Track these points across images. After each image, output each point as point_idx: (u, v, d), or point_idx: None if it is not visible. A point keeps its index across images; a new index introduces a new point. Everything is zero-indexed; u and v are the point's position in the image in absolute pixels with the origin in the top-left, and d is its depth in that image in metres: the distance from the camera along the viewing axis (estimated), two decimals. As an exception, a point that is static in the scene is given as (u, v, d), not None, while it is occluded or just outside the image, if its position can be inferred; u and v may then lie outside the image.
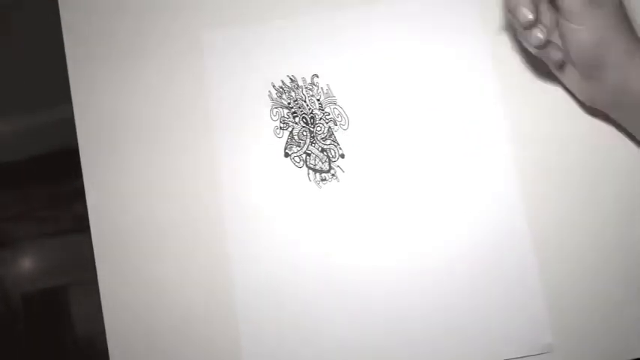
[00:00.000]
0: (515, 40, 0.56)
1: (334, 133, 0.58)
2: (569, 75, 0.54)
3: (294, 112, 0.58)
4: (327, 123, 0.58)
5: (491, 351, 0.53)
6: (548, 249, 0.55)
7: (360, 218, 0.56)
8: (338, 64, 0.58)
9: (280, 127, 0.58)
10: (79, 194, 0.57)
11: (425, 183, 0.56)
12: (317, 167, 0.57)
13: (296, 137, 0.58)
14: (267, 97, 0.58)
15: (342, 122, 0.57)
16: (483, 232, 0.55)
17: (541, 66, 0.56)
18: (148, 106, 0.59)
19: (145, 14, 0.60)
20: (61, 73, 0.60)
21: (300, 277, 0.55)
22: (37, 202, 0.59)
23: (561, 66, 0.54)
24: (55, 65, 0.60)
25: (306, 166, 0.57)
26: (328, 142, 0.57)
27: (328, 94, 0.58)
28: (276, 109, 0.58)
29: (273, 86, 0.58)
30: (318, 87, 0.58)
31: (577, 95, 0.55)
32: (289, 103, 0.58)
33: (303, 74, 0.58)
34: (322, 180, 0.57)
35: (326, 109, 0.58)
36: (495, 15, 0.59)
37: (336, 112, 0.58)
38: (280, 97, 0.58)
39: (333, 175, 0.57)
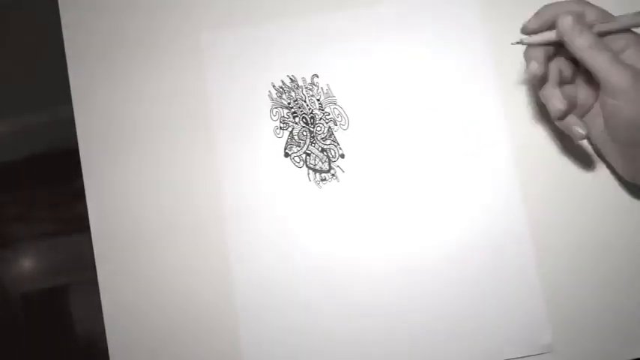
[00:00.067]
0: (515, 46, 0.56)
1: (334, 133, 0.58)
2: (609, 150, 0.52)
3: (294, 112, 0.58)
4: (327, 123, 0.58)
5: (491, 351, 0.53)
6: (547, 249, 0.55)
7: (360, 218, 0.56)
8: (338, 64, 0.58)
9: (280, 127, 0.58)
10: (79, 194, 0.57)
11: (424, 182, 0.56)
12: (317, 167, 0.57)
13: (296, 137, 0.58)
14: (267, 97, 0.58)
15: (342, 122, 0.58)
16: (483, 232, 0.55)
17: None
18: (148, 106, 0.59)
19: (145, 15, 0.60)
20: (61, 73, 0.60)
21: (300, 276, 0.55)
22: (37, 202, 0.59)
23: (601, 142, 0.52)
24: (55, 65, 0.60)
25: (306, 166, 0.57)
26: (328, 142, 0.57)
27: (328, 94, 0.58)
28: (276, 109, 0.58)
29: (273, 86, 0.58)
30: (318, 87, 0.58)
31: (618, 171, 0.53)
32: (289, 103, 0.58)
33: (303, 74, 0.58)
34: (322, 180, 0.57)
35: (326, 109, 0.58)
36: (496, 13, 0.58)
37: (336, 112, 0.58)
38: (280, 97, 0.58)
39: (333, 175, 0.57)
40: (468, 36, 0.58)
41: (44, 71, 0.60)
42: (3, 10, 0.61)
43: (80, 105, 0.59)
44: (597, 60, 0.46)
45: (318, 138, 0.57)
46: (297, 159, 0.57)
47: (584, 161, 0.56)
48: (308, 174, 0.57)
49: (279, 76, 0.58)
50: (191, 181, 0.57)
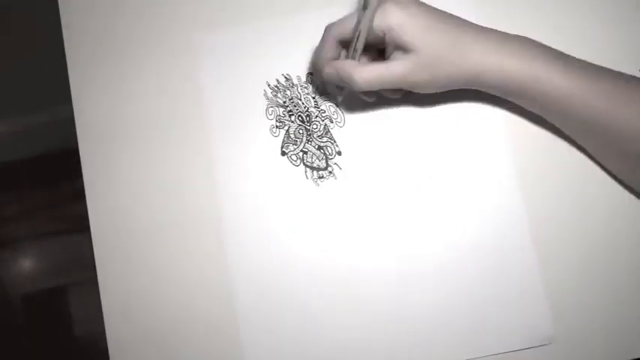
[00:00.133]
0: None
1: (330, 130, 0.58)
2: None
3: (290, 111, 0.58)
4: (323, 121, 0.58)
5: (493, 343, 0.53)
6: (548, 242, 0.55)
7: (358, 215, 0.56)
8: (333, 61, 0.58)
9: (276, 126, 0.58)
10: (79, 194, 0.57)
11: (422, 179, 0.56)
12: (314, 165, 0.57)
13: (292, 135, 0.58)
14: (263, 96, 0.58)
15: (338, 119, 0.57)
16: (483, 225, 0.55)
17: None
18: (147, 106, 0.59)
19: (144, 15, 0.61)
20: (61, 73, 0.60)
21: (299, 274, 0.55)
22: (37, 202, 0.60)
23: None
24: (55, 65, 0.60)
25: (304, 164, 0.57)
26: (325, 139, 0.57)
27: (323, 92, 0.58)
28: (271, 108, 0.58)
29: (269, 85, 0.58)
30: (313, 85, 0.58)
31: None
32: (285, 102, 0.58)
33: (298, 72, 0.58)
34: (320, 177, 0.57)
35: (321, 107, 0.58)
36: (493, 10, 0.58)
37: (332, 109, 0.58)
38: (276, 95, 0.58)
39: (330, 172, 0.57)
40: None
41: (44, 71, 0.60)
42: (3, 10, 0.61)
43: (80, 105, 0.59)
44: (378, 78, 0.50)
45: (315, 136, 0.57)
46: (294, 157, 0.57)
47: (584, 162, 0.55)
48: (305, 172, 0.57)
49: (274, 75, 0.59)
50: (191, 181, 0.57)
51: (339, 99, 0.57)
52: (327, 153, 0.57)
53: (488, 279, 0.54)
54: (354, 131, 0.57)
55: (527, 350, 0.53)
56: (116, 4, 0.61)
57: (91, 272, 0.57)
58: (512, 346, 0.53)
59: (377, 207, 0.56)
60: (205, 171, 0.57)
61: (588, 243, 0.55)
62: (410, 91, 0.53)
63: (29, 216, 0.59)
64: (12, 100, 0.60)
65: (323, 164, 0.57)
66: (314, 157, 0.57)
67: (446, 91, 0.54)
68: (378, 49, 0.53)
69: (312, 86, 0.58)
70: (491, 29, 0.51)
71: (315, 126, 0.58)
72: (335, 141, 0.57)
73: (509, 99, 0.53)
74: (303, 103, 0.58)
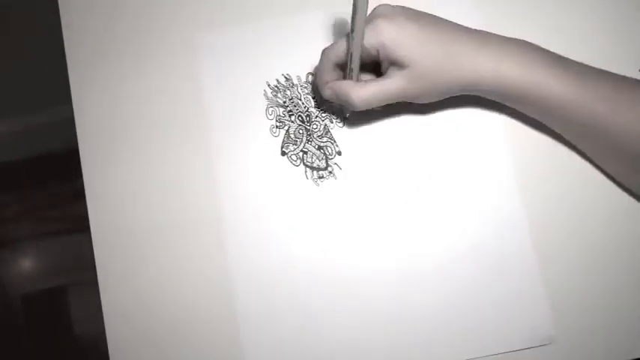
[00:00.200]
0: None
1: (330, 130, 0.58)
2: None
3: (290, 111, 0.58)
4: (323, 121, 0.58)
5: (493, 343, 0.53)
6: (548, 243, 0.55)
7: (358, 215, 0.56)
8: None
9: (276, 126, 0.58)
10: (79, 194, 0.57)
11: (422, 179, 0.56)
12: (314, 165, 0.57)
13: (292, 136, 0.58)
14: (263, 96, 0.58)
15: (338, 120, 0.57)
16: (483, 226, 0.55)
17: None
18: (147, 106, 0.59)
19: (144, 15, 0.61)
20: (61, 73, 0.60)
21: (299, 274, 0.55)
22: (37, 202, 0.60)
23: None
24: (55, 65, 0.60)
25: (304, 164, 0.57)
26: (325, 139, 0.57)
27: (326, 100, 0.58)
28: (271, 108, 0.58)
29: (269, 85, 0.58)
30: (315, 89, 0.58)
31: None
32: (285, 102, 0.58)
33: (298, 72, 0.58)
34: (320, 178, 0.57)
35: (321, 107, 0.58)
36: (493, 10, 0.58)
37: (332, 109, 0.58)
38: (276, 95, 0.58)
39: (330, 172, 0.57)
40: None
41: (44, 71, 0.60)
42: (3, 10, 0.61)
43: (80, 105, 0.59)
44: (374, 96, 0.51)
45: (315, 136, 0.57)
46: (294, 157, 0.57)
47: (583, 163, 0.55)
48: (305, 172, 0.57)
49: (274, 75, 0.59)
50: (191, 181, 0.57)
51: (347, 115, 0.57)
52: (327, 153, 0.57)
53: (489, 279, 0.54)
54: (354, 131, 0.57)
55: (528, 350, 0.54)
56: (116, 4, 0.61)
57: (91, 272, 0.57)
58: (512, 346, 0.53)
59: (377, 207, 0.56)
60: (205, 171, 0.57)
61: (588, 244, 0.55)
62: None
63: (29, 216, 0.59)
64: (12, 100, 0.60)
65: (323, 164, 0.57)
66: (314, 157, 0.57)
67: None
68: (375, 63, 0.53)
69: (315, 97, 0.58)
70: (488, 33, 0.51)
71: (315, 126, 0.58)
72: (335, 141, 0.57)
73: (507, 104, 0.53)
74: (303, 103, 0.58)
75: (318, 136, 0.57)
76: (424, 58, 0.49)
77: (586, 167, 0.55)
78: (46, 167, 0.59)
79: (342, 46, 0.51)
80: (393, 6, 0.50)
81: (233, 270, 0.56)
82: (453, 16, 0.53)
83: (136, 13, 0.61)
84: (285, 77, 0.58)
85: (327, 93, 0.53)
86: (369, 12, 0.49)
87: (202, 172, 0.57)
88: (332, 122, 0.58)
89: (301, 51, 0.59)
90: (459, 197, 0.56)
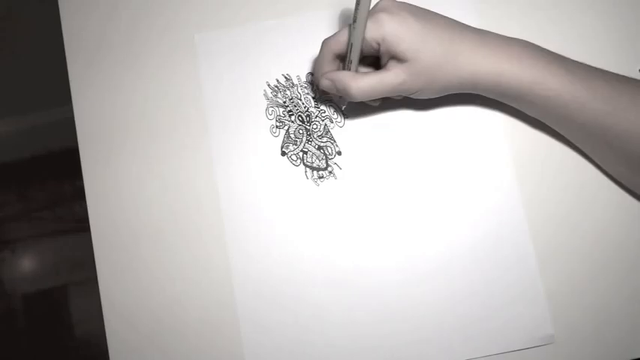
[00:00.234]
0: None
1: (330, 130, 0.58)
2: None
3: (290, 111, 0.58)
4: (322, 121, 0.58)
5: (493, 343, 0.53)
6: (548, 243, 0.55)
7: (358, 215, 0.56)
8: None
9: (276, 126, 0.58)
10: (79, 194, 0.57)
11: (422, 179, 0.56)
12: (314, 165, 0.57)
13: (292, 136, 0.58)
14: (263, 96, 0.58)
15: (338, 119, 0.58)
16: (483, 226, 0.55)
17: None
18: (147, 106, 0.59)
19: (143, 15, 0.61)
20: (61, 73, 0.60)
21: (300, 274, 0.55)
22: (37, 202, 0.60)
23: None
24: (55, 65, 0.60)
25: (304, 164, 0.57)
26: (325, 139, 0.57)
27: (325, 95, 0.58)
28: (271, 108, 0.58)
29: (269, 85, 0.58)
30: (313, 85, 0.58)
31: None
32: (285, 102, 0.58)
33: (297, 72, 0.58)
34: (320, 177, 0.57)
35: (321, 107, 0.58)
36: (493, 10, 0.58)
37: (332, 109, 0.58)
38: (276, 95, 0.58)
39: (330, 172, 0.57)
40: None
41: (44, 71, 0.60)
42: (3, 10, 0.61)
43: (80, 105, 0.59)
44: (372, 88, 0.50)
45: (315, 136, 0.57)
46: (294, 157, 0.57)
47: (583, 163, 0.55)
48: (305, 172, 0.57)
49: (274, 75, 0.58)
50: (191, 181, 0.57)
51: (343, 107, 0.57)
52: (327, 153, 0.57)
53: (489, 279, 0.54)
54: (354, 131, 0.57)
55: (528, 350, 0.54)
56: (116, 5, 0.61)
57: (91, 272, 0.57)
58: (512, 345, 0.53)
59: (376, 207, 0.56)
60: (205, 171, 0.57)
61: (587, 243, 0.55)
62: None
63: (29, 216, 0.59)
64: (12, 100, 0.60)
65: (323, 164, 0.57)
66: (314, 157, 0.57)
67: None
68: (374, 58, 0.53)
69: (313, 95, 0.58)
70: (489, 32, 0.51)
71: (315, 126, 0.58)
72: (335, 141, 0.57)
73: (507, 103, 0.53)
74: (303, 103, 0.58)
75: (318, 136, 0.57)
76: (424, 54, 0.49)
77: (586, 167, 0.55)
78: (46, 167, 0.59)
79: (344, 36, 0.51)
80: (397, 1, 0.50)
81: (233, 269, 0.56)
82: (453, 15, 0.53)
83: (135, 14, 0.61)
84: (285, 77, 0.58)
85: (325, 83, 0.53)
86: (372, 5, 0.49)
87: (202, 172, 0.57)
88: (332, 122, 0.58)
89: (301, 51, 0.59)
90: (459, 197, 0.56)
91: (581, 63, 0.50)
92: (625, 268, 0.54)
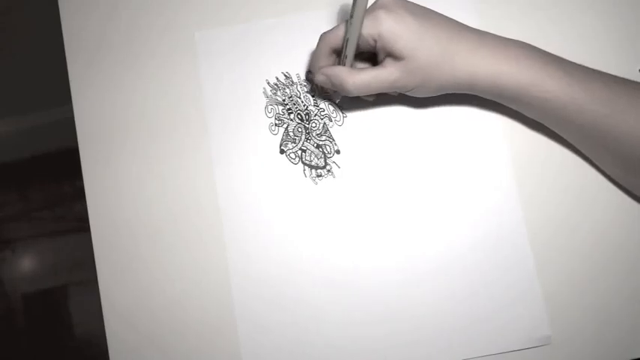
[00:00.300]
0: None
1: (329, 129, 0.58)
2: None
3: (289, 109, 0.58)
4: (322, 119, 0.58)
5: (490, 343, 0.53)
6: (546, 244, 0.55)
7: (356, 214, 0.56)
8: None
9: (275, 124, 0.58)
10: (79, 194, 0.57)
11: (420, 178, 0.56)
12: (313, 163, 0.57)
13: (291, 134, 0.58)
14: (262, 94, 0.58)
15: (337, 118, 0.58)
16: (481, 227, 0.55)
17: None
18: (147, 105, 0.59)
19: (143, 14, 0.61)
20: (61, 73, 0.60)
21: (297, 272, 0.55)
22: (37, 202, 0.60)
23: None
24: (55, 65, 0.60)
25: (302, 162, 0.57)
26: (323, 138, 0.57)
27: (323, 90, 0.58)
28: (271, 106, 0.58)
29: (268, 83, 0.58)
30: (312, 82, 0.58)
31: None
32: (284, 100, 0.58)
33: (297, 71, 0.58)
34: (318, 176, 0.57)
35: (321, 106, 0.58)
36: (493, 10, 0.58)
37: (331, 108, 0.58)
38: (275, 93, 0.58)
39: (328, 171, 0.57)
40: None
41: (44, 71, 0.60)
42: (3, 10, 0.61)
43: (80, 105, 0.59)
44: (368, 84, 0.51)
45: (314, 134, 0.57)
46: (292, 155, 0.57)
47: (582, 165, 0.55)
48: (304, 170, 0.57)
49: (274, 73, 0.59)
50: (190, 179, 0.57)
51: (337, 100, 0.57)
52: (326, 151, 0.57)
53: (487, 280, 0.54)
54: (353, 130, 0.57)
55: (525, 351, 0.53)
56: (116, 4, 0.61)
57: (91, 272, 0.57)
58: (509, 346, 0.53)
59: (374, 207, 0.56)
60: (205, 169, 0.57)
61: (585, 244, 0.55)
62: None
63: (29, 216, 0.59)
64: (12, 100, 0.60)
65: (321, 163, 0.57)
66: (312, 156, 0.57)
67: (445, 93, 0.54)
68: (371, 54, 0.53)
69: (310, 89, 0.58)
70: (486, 33, 0.51)
71: (314, 124, 0.58)
72: (334, 139, 0.57)
73: (504, 104, 0.53)
74: (302, 102, 0.58)
75: (317, 134, 0.57)
76: (421, 52, 0.49)
77: (584, 169, 0.55)
78: (46, 167, 0.59)
79: (341, 31, 0.51)
80: None
81: (232, 268, 0.56)
82: (454, 15, 0.53)
83: (135, 13, 0.61)
84: (285, 75, 0.58)
85: (320, 78, 0.53)
86: (371, 2, 0.49)
87: (202, 170, 0.57)
88: (331, 121, 0.58)
89: (301, 49, 0.59)
90: (457, 198, 0.56)
91: (579, 65, 0.50)
92: (623, 269, 0.54)
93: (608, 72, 0.50)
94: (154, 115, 0.59)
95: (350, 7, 0.48)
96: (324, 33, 0.52)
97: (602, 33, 0.58)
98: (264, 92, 0.58)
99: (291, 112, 0.58)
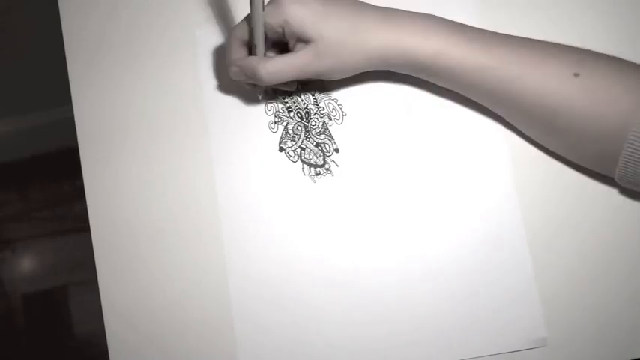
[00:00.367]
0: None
1: (329, 127, 0.58)
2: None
3: (289, 107, 0.58)
4: (321, 117, 0.58)
5: (487, 344, 0.53)
6: (544, 245, 0.55)
7: (354, 213, 0.56)
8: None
9: (275, 122, 0.58)
10: (79, 194, 0.57)
11: (419, 177, 0.56)
12: (312, 162, 0.57)
13: (291, 132, 0.58)
14: (262, 92, 0.58)
15: (337, 117, 0.58)
16: (478, 228, 0.55)
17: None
18: (147, 104, 0.59)
19: (143, 14, 0.61)
20: (61, 73, 0.60)
21: (296, 271, 0.55)
22: (37, 202, 0.59)
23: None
24: (55, 65, 0.60)
25: (301, 160, 0.57)
26: (323, 136, 0.57)
27: (323, 89, 0.58)
28: (270, 104, 0.58)
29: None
30: (312, 82, 0.58)
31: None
32: (284, 98, 0.58)
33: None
34: (317, 174, 0.57)
35: (320, 104, 0.58)
36: (493, 10, 0.58)
37: (331, 106, 0.58)
38: (275, 91, 0.58)
39: (327, 169, 0.57)
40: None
41: (44, 71, 0.60)
42: (3, 10, 0.61)
43: (80, 105, 0.59)
44: (281, 70, 0.51)
45: (313, 133, 0.57)
46: (291, 153, 0.57)
47: (580, 167, 0.55)
48: (303, 168, 0.57)
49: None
50: (190, 177, 0.57)
51: (260, 96, 0.57)
52: (325, 150, 0.57)
53: (484, 281, 0.54)
54: (353, 129, 0.57)
55: (521, 352, 0.53)
56: (116, 5, 0.61)
57: (91, 272, 0.57)
58: (506, 347, 0.53)
59: (373, 206, 0.56)
60: (204, 167, 0.57)
61: (584, 247, 0.54)
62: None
63: (29, 216, 0.59)
64: (12, 100, 0.60)
65: (320, 161, 0.57)
66: (311, 154, 0.57)
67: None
68: (285, 43, 0.54)
69: (256, 92, 0.58)
70: (394, 9, 0.52)
71: (313, 123, 0.58)
72: (333, 138, 0.57)
73: (417, 76, 0.54)
74: (302, 100, 0.58)
75: (317, 132, 0.57)
76: (328, 33, 0.49)
77: (583, 169, 0.55)
78: (46, 167, 0.59)
79: (246, 22, 0.52)
80: None
81: (230, 266, 0.56)
82: (454, 15, 0.53)
83: (135, 13, 0.61)
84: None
85: (233, 70, 0.53)
86: None
87: (201, 169, 0.57)
88: (330, 120, 0.58)
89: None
90: (456, 198, 0.56)
91: (485, 31, 0.52)
92: (621, 271, 0.54)
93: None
94: (154, 115, 0.59)
95: None
96: (233, 27, 0.53)
97: (602, 33, 0.58)
98: (265, 90, 0.58)
99: (291, 111, 0.58)
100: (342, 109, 0.57)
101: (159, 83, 0.59)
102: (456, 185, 0.56)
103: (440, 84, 0.54)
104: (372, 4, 0.52)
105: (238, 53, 0.53)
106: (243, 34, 0.52)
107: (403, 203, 0.56)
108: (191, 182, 0.57)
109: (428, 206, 0.55)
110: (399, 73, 0.55)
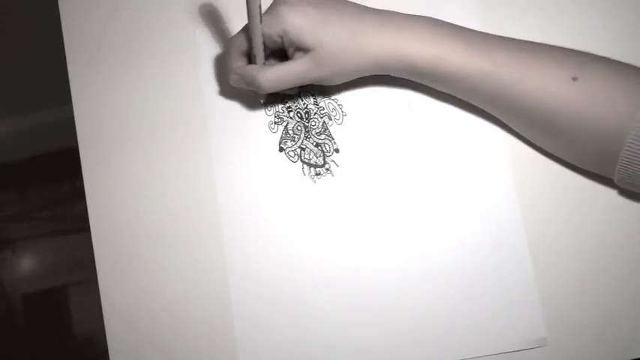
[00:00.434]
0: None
1: (329, 127, 0.58)
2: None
3: (289, 107, 0.58)
4: (321, 117, 0.58)
5: (487, 344, 0.53)
6: (544, 246, 0.55)
7: (354, 213, 0.56)
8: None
9: (275, 122, 0.58)
10: (79, 194, 0.57)
11: (420, 177, 0.56)
12: (311, 162, 0.57)
13: (290, 132, 0.58)
14: (264, 97, 0.58)
15: (337, 117, 0.58)
16: (478, 228, 0.55)
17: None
18: (147, 104, 0.59)
19: (143, 14, 0.61)
20: (61, 73, 0.60)
21: (295, 271, 0.55)
22: (37, 202, 0.59)
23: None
24: (55, 65, 0.60)
25: (301, 160, 0.57)
26: (323, 136, 0.57)
27: (322, 89, 0.58)
28: (270, 104, 0.58)
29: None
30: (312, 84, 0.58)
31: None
32: (284, 98, 0.58)
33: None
34: (317, 174, 0.57)
35: (320, 104, 0.58)
36: (493, 10, 0.58)
37: (331, 106, 0.58)
38: (276, 95, 0.58)
39: (327, 169, 0.57)
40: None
41: (44, 71, 0.60)
42: (3, 10, 0.61)
43: (80, 105, 0.59)
44: (280, 78, 0.51)
45: (313, 133, 0.57)
46: (291, 153, 0.57)
47: (579, 167, 0.55)
48: (303, 168, 0.57)
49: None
50: (190, 180, 0.57)
51: (261, 101, 0.57)
52: (325, 150, 0.57)
53: (484, 281, 0.54)
54: (353, 129, 0.57)
55: (521, 352, 0.53)
56: (116, 5, 0.61)
57: (91, 272, 0.57)
58: (506, 347, 0.53)
59: (373, 206, 0.56)
60: (204, 167, 0.57)
61: (584, 247, 0.55)
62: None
63: (29, 216, 0.59)
64: (12, 100, 0.60)
65: (320, 161, 0.57)
66: (311, 154, 0.57)
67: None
68: (284, 51, 0.54)
69: (260, 98, 0.58)
70: (392, 12, 0.52)
71: (313, 123, 0.58)
72: (333, 138, 0.57)
73: (416, 80, 0.54)
74: (302, 100, 0.58)
75: (317, 133, 0.57)
76: (327, 40, 0.49)
77: (583, 170, 0.55)
78: (46, 167, 0.59)
79: (245, 32, 0.52)
80: None
81: (229, 267, 0.56)
82: (454, 15, 0.53)
83: (135, 13, 0.61)
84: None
85: (233, 78, 0.53)
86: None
87: (201, 169, 0.57)
88: (330, 120, 0.58)
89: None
90: (456, 198, 0.56)
91: (484, 34, 0.51)
92: (621, 272, 0.54)
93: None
94: (154, 115, 0.59)
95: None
96: (232, 37, 0.53)
97: (602, 33, 0.58)
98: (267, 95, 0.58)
99: (291, 111, 0.58)
100: (342, 109, 0.57)
101: (159, 83, 0.59)
102: (456, 185, 0.56)
103: (440, 89, 0.54)
104: (373, 4, 0.53)
105: (238, 62, 0.53)
106: (242, 43, 0.52)
107: (403, 203, 0.56)
108: (191, 182, 0.57)
109: (428, 206, 0.55)
110: (399, 77, 0.55)
